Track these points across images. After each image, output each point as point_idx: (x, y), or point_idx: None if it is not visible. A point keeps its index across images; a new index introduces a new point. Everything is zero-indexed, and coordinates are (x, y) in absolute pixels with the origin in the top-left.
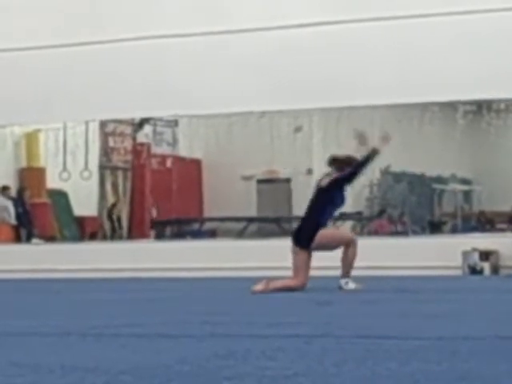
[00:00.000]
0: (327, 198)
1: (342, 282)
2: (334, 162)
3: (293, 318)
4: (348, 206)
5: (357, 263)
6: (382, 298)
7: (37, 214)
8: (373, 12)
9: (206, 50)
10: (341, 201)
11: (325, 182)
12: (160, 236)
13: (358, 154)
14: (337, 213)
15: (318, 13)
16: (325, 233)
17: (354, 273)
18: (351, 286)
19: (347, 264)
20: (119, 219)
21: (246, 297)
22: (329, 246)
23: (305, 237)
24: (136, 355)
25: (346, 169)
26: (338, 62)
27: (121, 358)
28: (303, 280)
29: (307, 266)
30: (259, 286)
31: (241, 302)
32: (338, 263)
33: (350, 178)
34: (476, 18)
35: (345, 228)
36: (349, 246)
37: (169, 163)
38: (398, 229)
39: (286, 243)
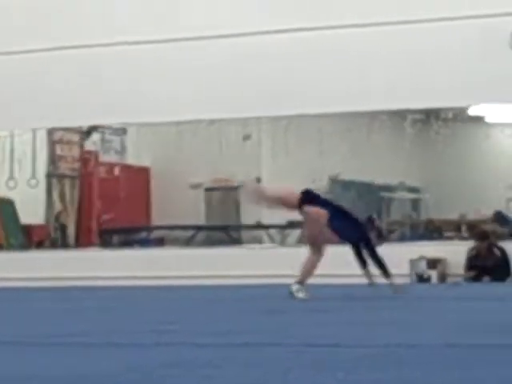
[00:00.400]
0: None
1: (294, 287)
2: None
3: (242, 326)
4: (296, 215)
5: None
6: (330, 306)
7: None
8: (324, 20)
9: (155, 57)
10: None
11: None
12: (107, 244)
13: None
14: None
15: (266, 21)
16: (320, 213)
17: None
18: (301, 295)
19: (306, 270)
20: (64, 227)
21: (194, 305)
22: (309, 221)
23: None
24: (83, 364)
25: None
26: (286, 70)
27: (68, 366)
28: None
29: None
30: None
31: (189, 310)
32: (290, 271)
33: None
34: (425, 27)
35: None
36: (316, 252)
37: (117, 171)
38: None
39: (235, 251)
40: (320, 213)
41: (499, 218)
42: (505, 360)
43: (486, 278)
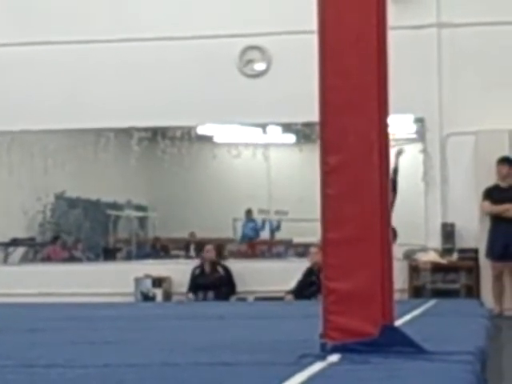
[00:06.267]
0: None
1: None
2: None
3: None
4: (20, 232)
5: (27, 290)
6: (51, 326)
7: None
8: (45, 36)
9: None
10: None
11: None
12: None
13: None
14: None
15: None
16: None
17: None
18: None
19: None
20: None
21: None
22: None
23: None
24: None
25: None
26: (7, 84)
27: None
28: None
29: None
30: None
31: None
32: (14, 290)
33: None
34: (152, 45)
35: None
36: None
37: None
38: (73, 255)
39: None
40: None
41: None
42: (216, 378)
43: (211, 296)
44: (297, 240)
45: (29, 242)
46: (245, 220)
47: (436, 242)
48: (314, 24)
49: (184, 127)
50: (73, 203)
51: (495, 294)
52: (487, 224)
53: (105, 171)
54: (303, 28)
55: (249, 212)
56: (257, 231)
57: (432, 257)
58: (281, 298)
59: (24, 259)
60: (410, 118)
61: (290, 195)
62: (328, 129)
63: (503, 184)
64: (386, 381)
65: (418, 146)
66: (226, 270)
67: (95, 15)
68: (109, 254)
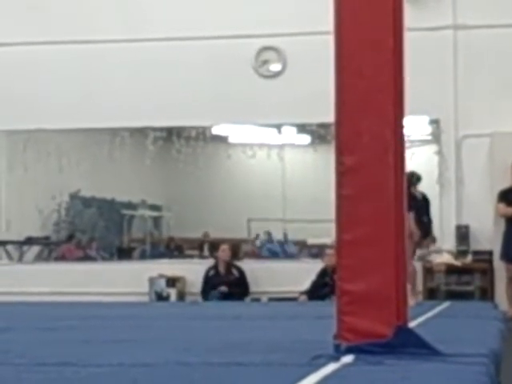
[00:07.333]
0: None
1: None
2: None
3: None
4: (35, 231)
5: (41, 289)
6: (65, 324)
7: None
8: (61, 35)
9: None
10: None
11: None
12: None
13: None
14: None
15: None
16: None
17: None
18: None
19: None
20: None
21: None
22: None
23: None
24: None
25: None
26: (23, 83)
27: None
28: None
29: None
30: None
31: None
32: (29, 288)
33: None
34: (168, 45)
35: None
36: None
37: None
38: (88, 254)
39: None
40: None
41: None
42: (229, 378)
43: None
44: (311, 241)
45: (43, 241)
46: (265, 241)
47: (450, 243)
48: (329, 25)
49: (199, 127)
50: (87, 202)
51: (509, 297)
52: (502, 226)
53: (120, 171)
54: (319, 29)
55: (268, 234)
56: (276, 253)
57: (446, 259)
58: (294, 299)
59: (38, 258)
60: (425, 119)
61: (304, 196)
62: (343, 129)
63: None
64: (399, 382)
65: (433, 148)
66: (240, 271)
67: (113, 15)
68: (123, 254)
